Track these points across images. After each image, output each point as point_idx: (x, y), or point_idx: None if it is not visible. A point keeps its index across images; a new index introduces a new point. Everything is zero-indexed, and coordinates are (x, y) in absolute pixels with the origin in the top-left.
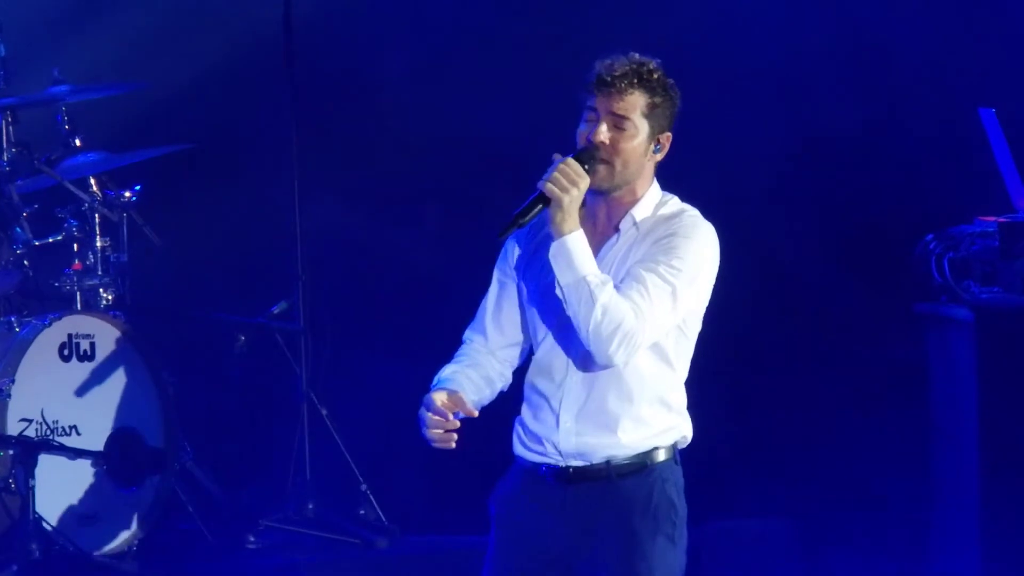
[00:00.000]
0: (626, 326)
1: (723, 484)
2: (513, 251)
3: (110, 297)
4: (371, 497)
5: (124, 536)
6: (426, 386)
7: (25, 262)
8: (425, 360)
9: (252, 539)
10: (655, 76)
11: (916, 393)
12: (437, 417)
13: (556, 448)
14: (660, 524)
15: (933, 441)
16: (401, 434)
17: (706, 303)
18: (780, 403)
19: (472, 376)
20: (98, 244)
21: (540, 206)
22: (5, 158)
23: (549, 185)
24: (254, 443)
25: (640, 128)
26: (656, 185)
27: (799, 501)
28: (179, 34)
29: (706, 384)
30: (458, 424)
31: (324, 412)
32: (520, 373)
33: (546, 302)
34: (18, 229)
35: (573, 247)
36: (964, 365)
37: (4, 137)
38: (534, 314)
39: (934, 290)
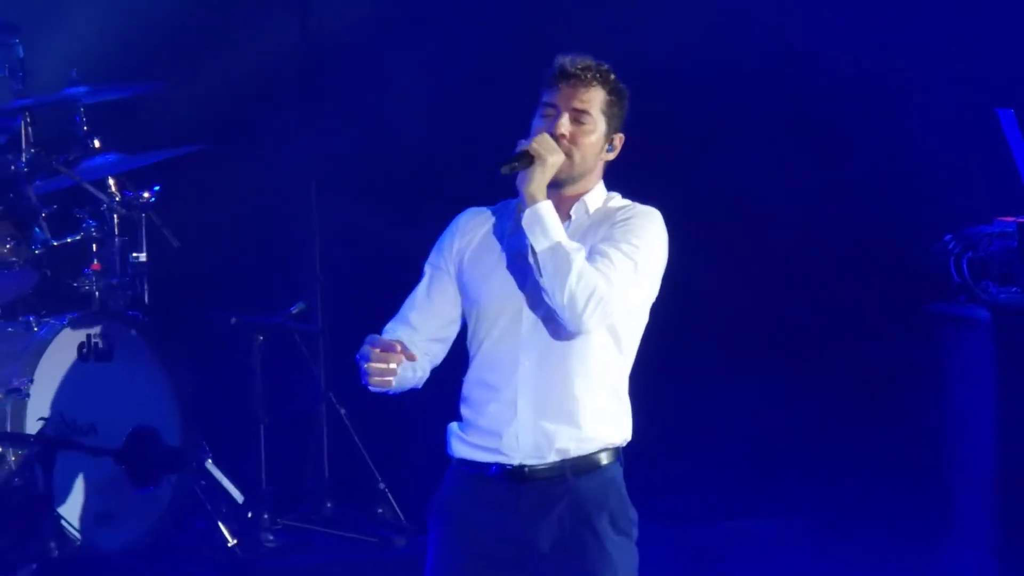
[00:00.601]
0: (600, 291)
1: (732, 484)
2: (451, 245)
3: (128, 297)
4: (389, 496)
5: (141, 535)
6: (444, 384)
7: (44, 262)
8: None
9: (270, 538)
10: (612, 77)
11: (930, 393)
12: (383, 351)
13: (515, 439)
14: (618, 522)
15: (947, 442)
16: (419, 433)
17: (655, 296)
18: (790, 403)
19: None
20: (116, 244)
21: (527, 158)
22: (24, 159)
23: (535, 144)
24: (272, 442)
25: (598, 123)
26: (603, 184)
27: (810, 501)
28: (197, 35)
29: (716, 383)
30: (402, 359)
31: (343, 412)
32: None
33: (501, 282)
34: (37, 229)
35: (546, 214)
36: (981, 366)
37: (23, 138)
38: (480, 303)
39: (952, 290)
